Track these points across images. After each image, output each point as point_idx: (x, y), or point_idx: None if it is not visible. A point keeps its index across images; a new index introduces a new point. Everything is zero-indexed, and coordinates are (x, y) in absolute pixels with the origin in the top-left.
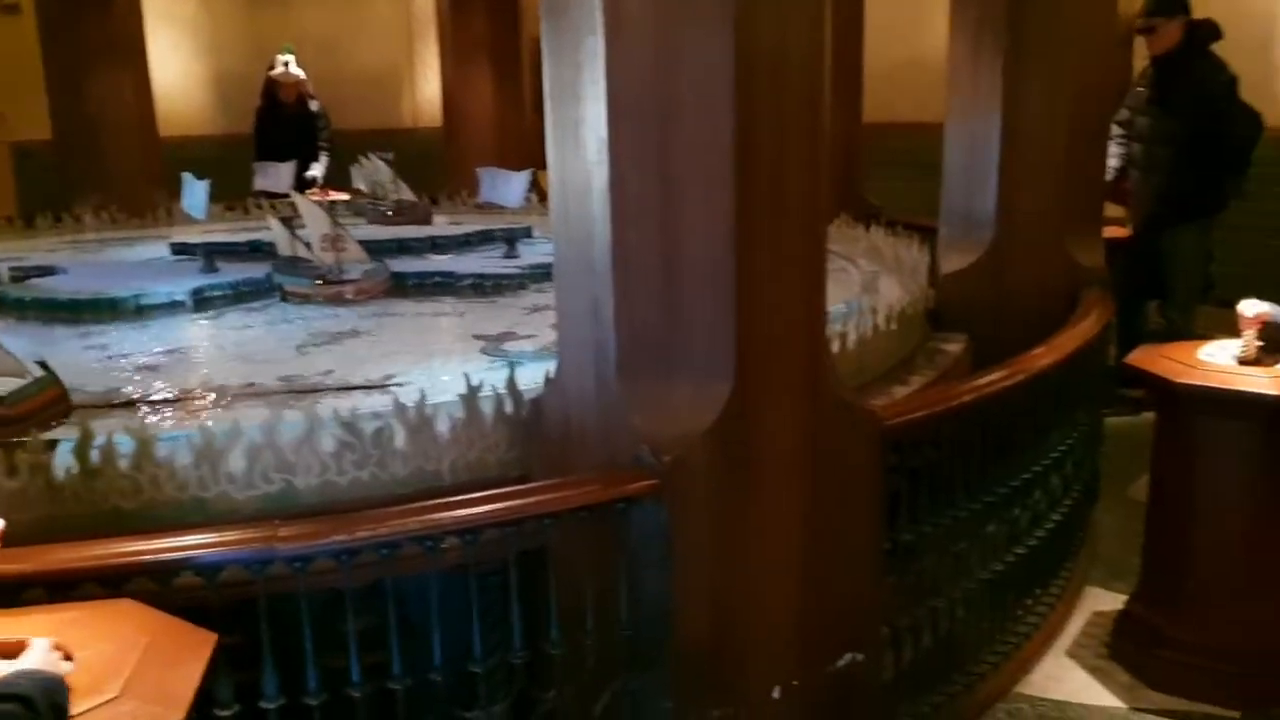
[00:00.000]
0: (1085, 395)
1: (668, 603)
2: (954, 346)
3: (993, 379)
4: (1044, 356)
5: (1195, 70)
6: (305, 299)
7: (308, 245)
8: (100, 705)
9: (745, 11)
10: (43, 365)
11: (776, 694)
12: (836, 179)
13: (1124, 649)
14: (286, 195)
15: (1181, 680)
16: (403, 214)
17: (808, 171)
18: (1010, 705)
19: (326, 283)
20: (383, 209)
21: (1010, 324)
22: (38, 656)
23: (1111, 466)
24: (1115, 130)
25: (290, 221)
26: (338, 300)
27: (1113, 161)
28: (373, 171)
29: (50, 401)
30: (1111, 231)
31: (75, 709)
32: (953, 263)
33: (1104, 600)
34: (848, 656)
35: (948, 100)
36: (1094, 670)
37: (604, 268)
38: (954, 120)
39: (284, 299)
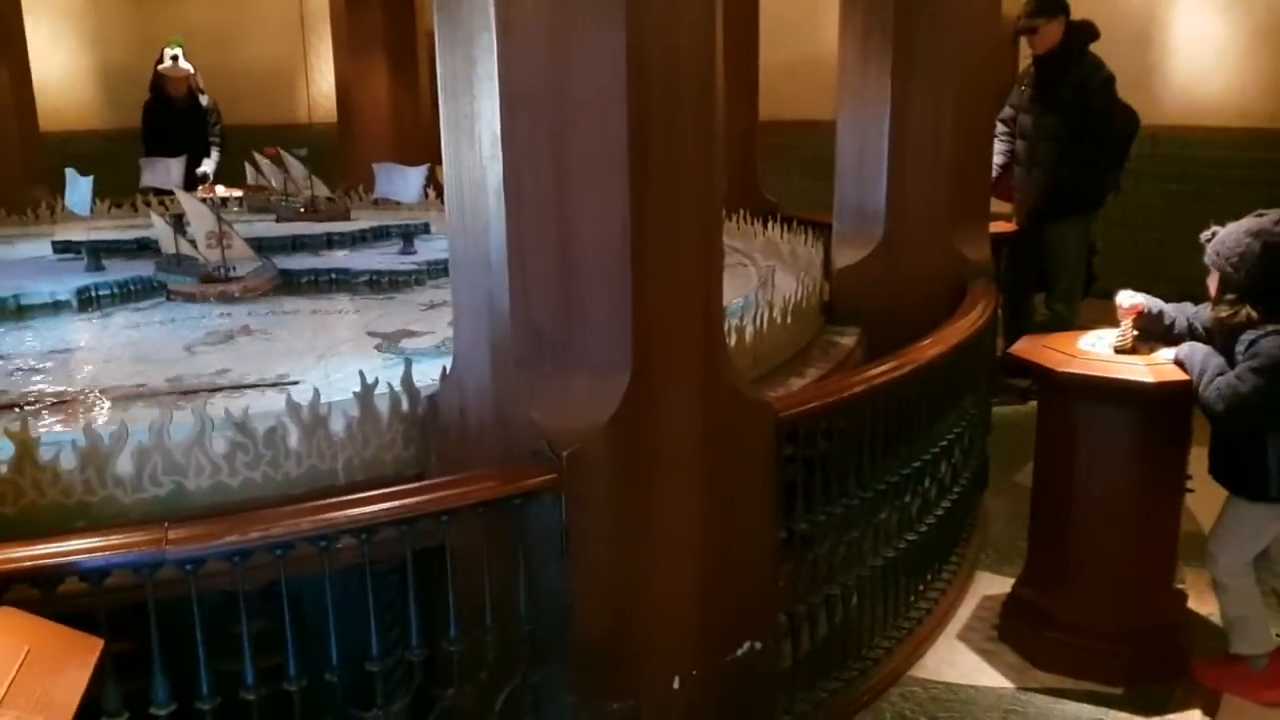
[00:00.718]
0: (972, 385)
1: (567, 597)
2: (847, 339)
3: (883, 370)
4: (932, 348)
5: (1075, 69)
6: (190, 297)
7: (193, 243)
8: None
9: (637, 6)
10: None
11: (676, 684)
12: (734, 175)
13: (1012, 631)
14: (171, 192)
15: (1067, 660)
16: (319, 212)
17: (702, 166)
18: (904, 689)
19: (212, 280)
20: (295, 205)
21: (901, 316)
22: None
23: (1000, 454)
24: (999, 128)
25: (181, 219)
26: (224, 299)
27: (997, 159)
28: (279, 169)
29: None
30: (998, 226)
31: None
32: (846, 257)
33: (993, 584)
34: (746, 645)
35: (838, 100)
36: (984, 652)
37: (500, 263)
38: (845, 119)
39: (169, 298)
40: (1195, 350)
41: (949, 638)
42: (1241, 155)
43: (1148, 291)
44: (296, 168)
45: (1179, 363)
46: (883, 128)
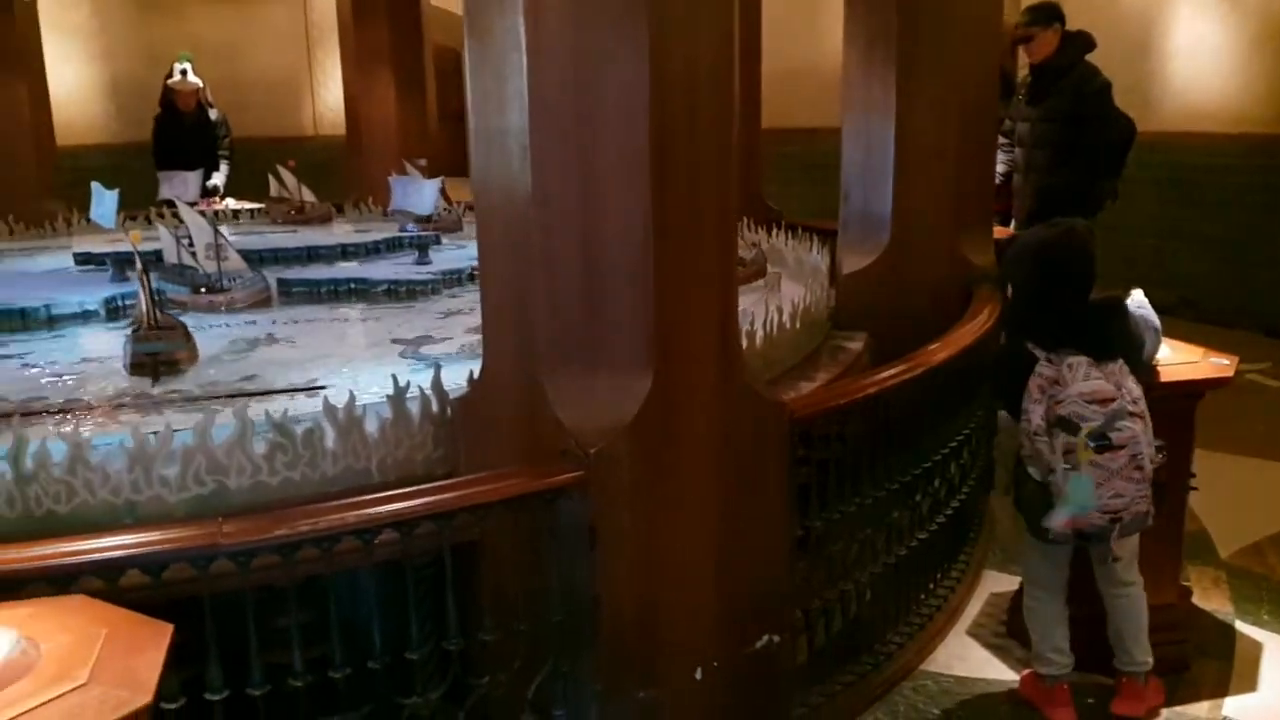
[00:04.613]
0: (979, 388)
1: (594, 590)
2: (855, 344)
3: (893, 373)
4: (940, 351)
5: (1070, 77)
6: (183, 307)
7: (193, 254)
8: (71, 690)
9: (659, 29)
10: None
11: (698, 675)
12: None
13: (1020, 626)
14: (193, 203)
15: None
16: (303, 214)
17: (719, 177)
18: (916, 682)
19: (205, 291)
20: (288, 211)
21: (908, 321)
22: (7, 645)
23: (1005, 457)
24: (1000, 140)
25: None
26: (212, 309)
27: (1000, 168)
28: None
29: None
30: (1001, 232)
31: (47, 695)
32: (852, 263)
33: (1001, 582)
34: (764, 638)
35: (843, 108)
36: (993, 647)
37: (528, 270)
38: (849, 127)
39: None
40: None
41: (959, 633)
42: (1239, 161)
43: (1146, 297)
44: (288, 177)
45: None
46: (887, 134)
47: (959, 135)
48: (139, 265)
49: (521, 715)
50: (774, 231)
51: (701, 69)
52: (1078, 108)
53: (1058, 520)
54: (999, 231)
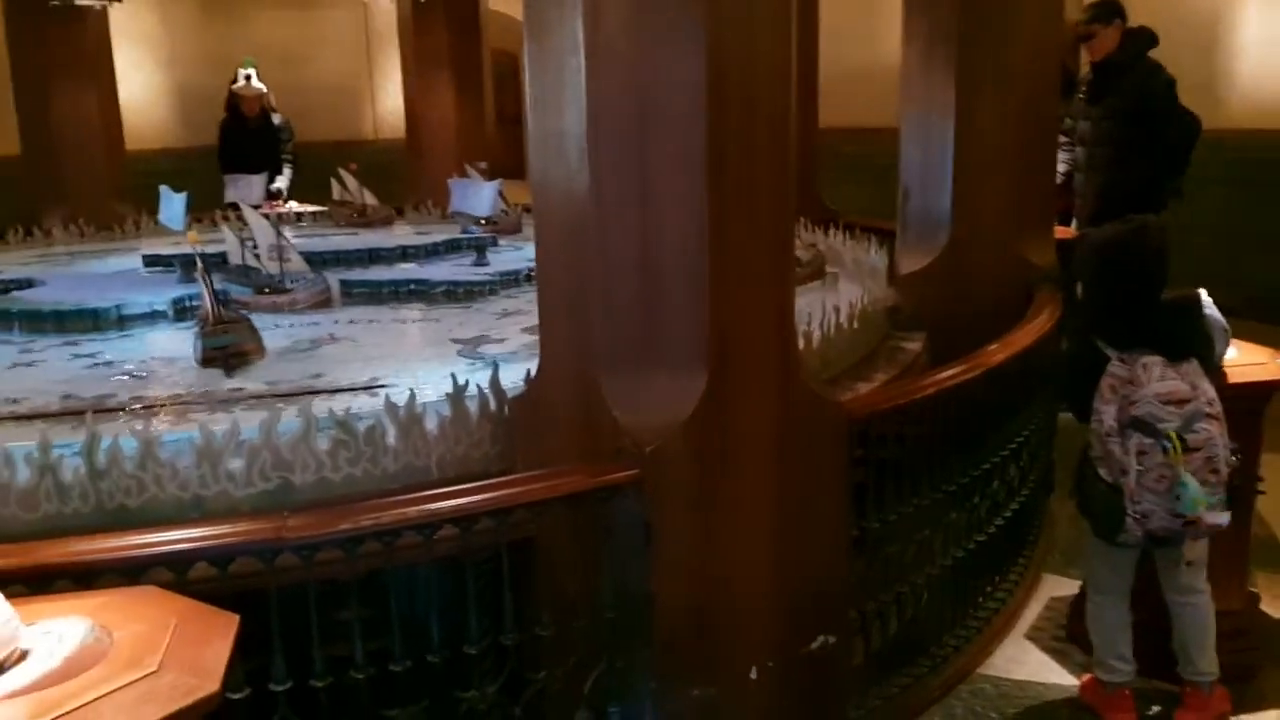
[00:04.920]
0: (1039, 389)
1: (649, 587)
2: (913, 344)
3: (952, 373)
4: (999, 352)
5: (1132, 74)
6: (247, 307)
7: (257, 255)
8: (143, 677)
9: (717, 30)
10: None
11: (753, 674)
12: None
13: (1080, 631)
14: (257, 206)
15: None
16: (365, 217)
17: (776, 177)
18: (973, 685)
19: (268, 292)
20: (350, 214)
21: (966, 322)
22: (83, 632)
23: (1066, 459)
24: (1061, 138)
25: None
26: (275, 310)
27: (1060, 167)
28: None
29: None
30: (1062, 232)
31: (118, 683)
32: (910, 264)
33: (1060, 585)
34: (820, 639)
35: (901, 108)
36: (1052, 651)
37: (585, 269)
38: (908, 127)
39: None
40: None
41: (1017, 637)
42: None
43: (1212, 297)
44: (350, 181)
45: None
46: (947, 134)
47: (1019, 134)
48: (200, 264)
49: (576, 711)
50: (832, 231)
51: (759, 70)
52: (1140, 104)
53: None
54: (1059, 231)
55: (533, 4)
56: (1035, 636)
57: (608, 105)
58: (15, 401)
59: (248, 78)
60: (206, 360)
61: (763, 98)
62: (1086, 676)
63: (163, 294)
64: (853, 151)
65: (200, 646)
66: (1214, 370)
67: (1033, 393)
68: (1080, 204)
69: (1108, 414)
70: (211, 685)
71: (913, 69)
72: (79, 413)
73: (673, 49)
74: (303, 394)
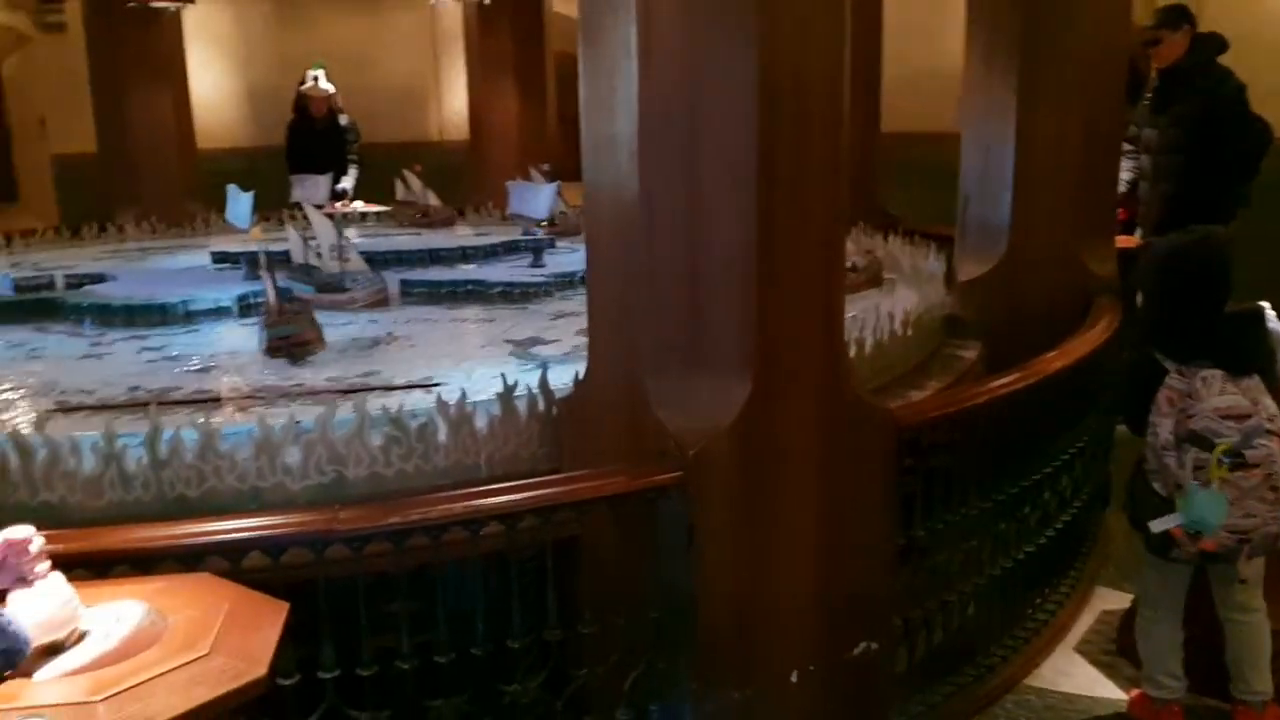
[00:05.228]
0: (1096, 400)
1: (691, 589)
2: (969, 353)
3: (1005, 382)
4: (1055, 361)
5: (1200, 80)
6: (302, 308)
7: (319, 255)
8: (194, 660)
9: (769, 34)
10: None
11: (794, 678)
12: (854, 188)
13: (1130, 645)
14: (322, 206)
15: (1186, 674)
16: (428, 218)
17: (827, 181)
18: (1019, 697)
19: (327, 291)
20: (413, 214)
21: (1024, 330)
22: (139, 615)
23: (1124, 473)
24: (1125, 146)
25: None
26: (334, 308)
27: (1125, 175)
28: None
29: None
30: (1125, 241)
31: (171, 664)
32: (968, 271)
33: (1113, 599)
34: (863, 645)
35: (962, 113)
36: (1102, 665)
37: (633, 272)
38: (969, 133)
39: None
40: None
41: (1066, 649)
42: None
43: (1277, 310)
44: (414, 181)
45: None
46: (1007, 142)
47: (1082, 142)
48: (263, 258)
49: (617, 708)
50: (891, 237)
51: (811, 76)
52: (1208, 111)
53: (1163, 525)
54: (1122, 240)
55: (587, 9)
56: (1085, 650)
57: (658, 110)
58: (86, 392)
59: (316, 79)
60: (271, 349)
61: (815, 103)
62: (1135, 691)
63: (229, 291)
64: (918, 157)
65: (250, 632)
66: (1276, 386)
67: (1089, 404)
68: (1145, 212)
69: (1164, 427)
70: (259, 670)
71: (974, 75)
72: (144, 405)
73: (724, 54)
74: (359, 391)
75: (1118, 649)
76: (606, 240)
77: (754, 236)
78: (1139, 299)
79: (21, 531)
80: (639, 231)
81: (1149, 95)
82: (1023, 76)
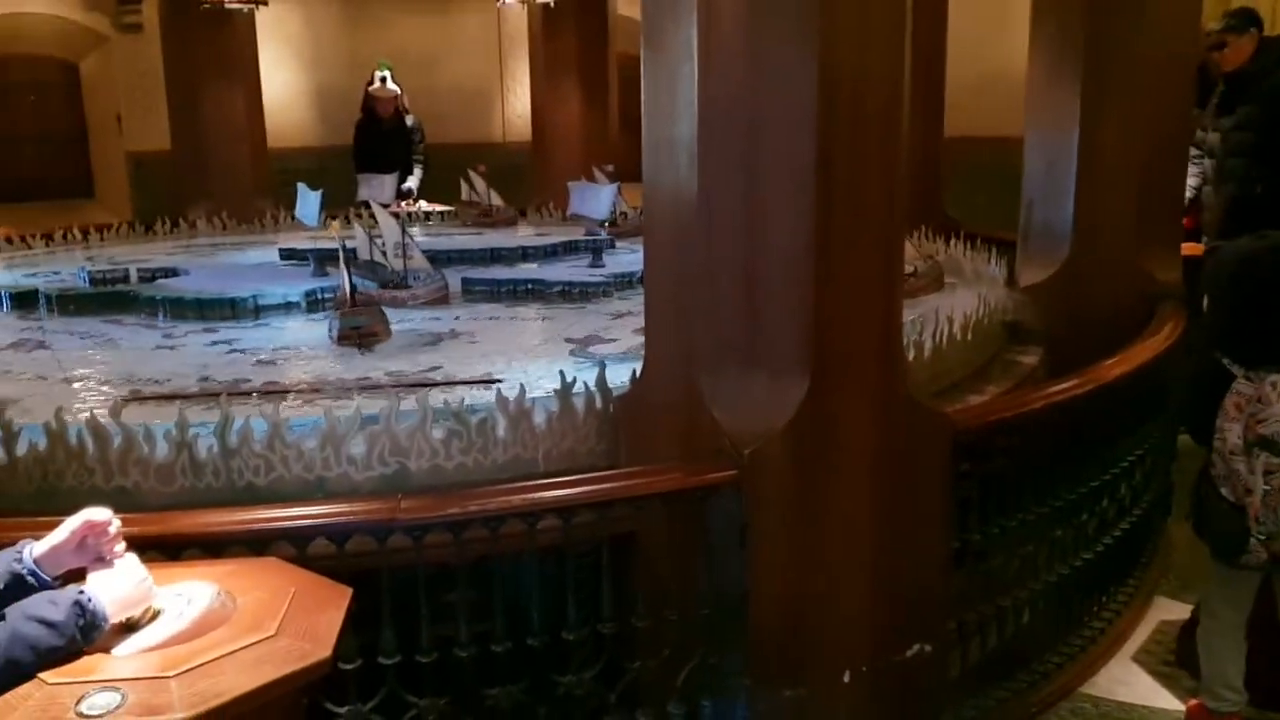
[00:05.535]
0: (1158, 408)
1: (744, 587)
2: (1029, 358)
3: (1064, 387)
4: (1115, 367)
5: (1267, 83)
6: (371, 301)
7: (384, 252)
8: (261, 640)
9: (829, 39)
10: None
11: (846, 678)
12: (916, 193)
13: (1191, 656)
14: (388, 204)
15: (1248, 687)
16: (491, 218)
17: (886, 184)
18: (1074, 704)
19: (391, 286)
20: (477, 214)
21: (1086, 336)
22: (210, 596)
23: (1188, 483)
24: (1190, 151)
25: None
26: (396, 304)
27: (1190, 181)
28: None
29: None
30: (1190, 249)
31: (240, 644)
32: (1030, 276)
33: (1173, 610)
34: (916, 647)
35: (1026, 118)
36: (1160, 675)
37: (691, 272)
38: (1032, 138)
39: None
40: None
41: (1123, 659)
42: None
43: None
44: (479, 182)
45: None
46: (1071, 146)
47: (1147, 147)
48: (342, 253)
49: (670, 702)
50: (952, 242)
51: (871, 79)
52: (1275, 114)
53: None
54: (1187, 248)
55: (650, 12)
56: (1143, 659)
57: (719, 111)
58: (158, 382)
59: (383, 80)
60: (342, 337)
61: (874, 106)
62: (1193, 701)
63: (297, 286)
64: (982, 161)
65: (315, 615)
66: None
67: (1150, 411)
68: (1209, 218)
69: (1233, 432)
70: (323, 651)
71: (1038, 79)
72: (214, 395)
73: (785, 57)
74: (421, 385)
75: (1177, 660)
76: (665, 240)
77: (812, 237)
78: (1205, 303)
79: (101, 513)
80: (698, 231)
81: (1214, 100)
82: (1088, 80)
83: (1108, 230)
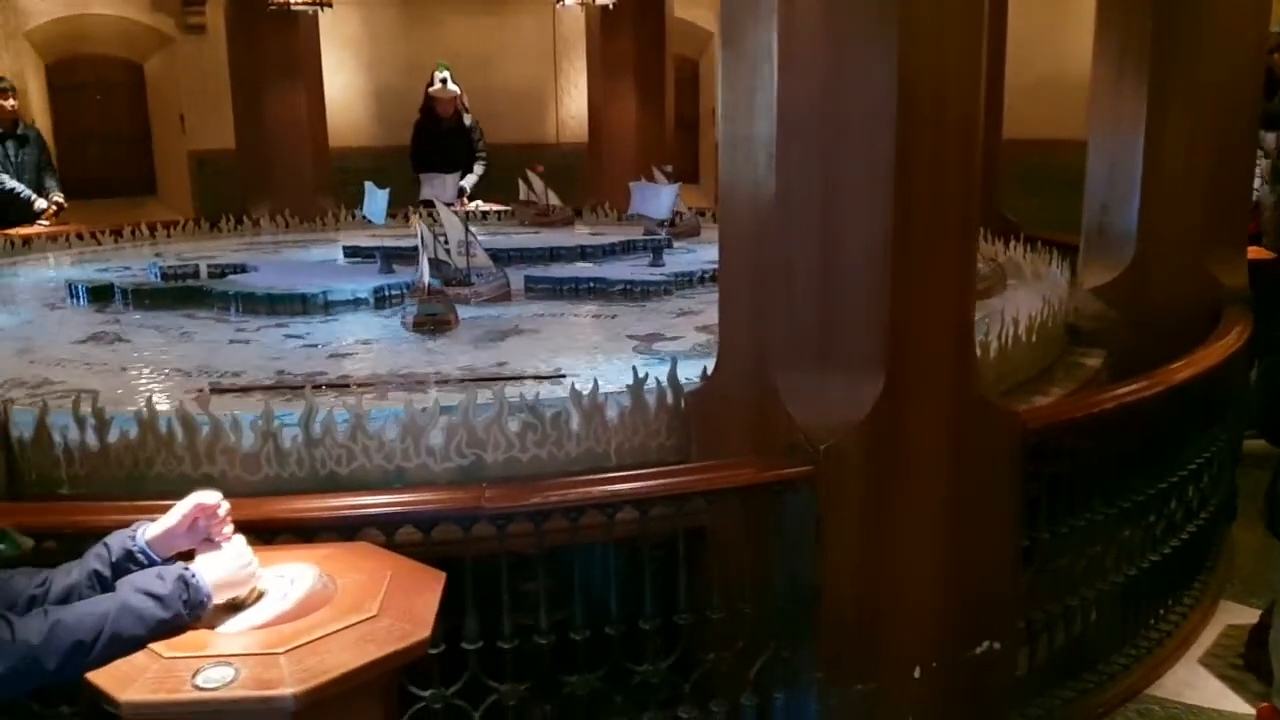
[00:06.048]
0: (1224, 411)
1: (816, 581)
2: (1093, 360)
3: (1132, 389)
4: (1183, 370)
5: None
6: (443, 292)
7: (448, 250)
8: (364, 620)
9: (908, 40)
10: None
11: (917, 674)
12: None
13: (1258, 660)
14: (450, 203)
15: None
16: (548, 217)
17: (962, 187)
18: (1141, 705)
19: (454, 283)
20: (534, 214)
21: (1150, 340)
22: (312, 578)
23: (1252, 488)
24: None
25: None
26: (459, 301)
27: (1255, 182)
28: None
29: None
30: (1255, 252)
31: (343, 623)
32: (1093, 279)
33: (1240, 614)
34: (985, 644)
35: (1090, 119)
36: (1227, 679)
37: (767, 269)
38: (1096, 141)
39: None
40: None
41: (1190, 661)
42: None
43: None
44: (537, 182)
45: None
46: (1136, 148)
47: (1213, 150)
48: (420, 245)
49: (743, 694)
50: (1012, 244)
51: (949, 79)
52: None
53: None
54: (1252, 252)
55: (728, 13)
56: (1210, 663)
57: (797, 112)
58: (235, 374)
59: (443, 81)
60: (417, 324)
61: (951, 107)
62: (1264, 705)
63: (364, 283)
64: (1037, 164)
65: (413, 596)
66: None
67: (1217, 414)
68: (1269, 216)
69: None
70: (423, 631)
71: (1103, 83)
72: (294, 387)
73: (864, 58)
74: (493, 379)
75: (1245, 664)
76: (741, 237)
77: (890, 237)
78: None
79: (211, 496)
80: (774, 229)
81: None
82: (1153, 80)
83: (1172, 233)
